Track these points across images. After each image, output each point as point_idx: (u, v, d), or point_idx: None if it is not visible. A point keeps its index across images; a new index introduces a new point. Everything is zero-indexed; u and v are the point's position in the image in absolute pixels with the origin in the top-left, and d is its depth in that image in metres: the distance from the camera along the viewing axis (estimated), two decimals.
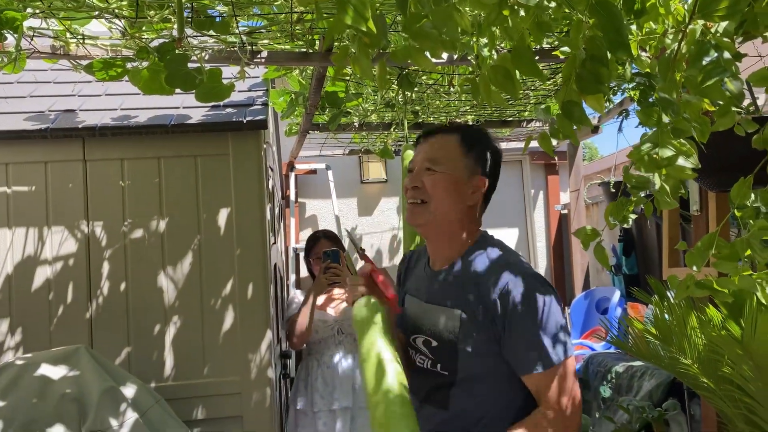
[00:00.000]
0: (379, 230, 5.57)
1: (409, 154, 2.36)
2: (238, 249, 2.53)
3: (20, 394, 1.78)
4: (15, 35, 1.74)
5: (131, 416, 1.84)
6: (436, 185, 1.39)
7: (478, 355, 1.33)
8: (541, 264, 5.75)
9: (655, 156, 1.11)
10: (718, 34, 1.17)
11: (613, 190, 3.80)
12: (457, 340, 1.34)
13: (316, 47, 2.35)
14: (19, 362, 1.91)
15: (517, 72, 1.22)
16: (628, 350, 2.15)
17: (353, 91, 3.09)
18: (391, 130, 3.88)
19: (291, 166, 5.13)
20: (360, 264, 1.58)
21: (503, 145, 3.39)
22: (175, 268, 2.50)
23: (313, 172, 5.37)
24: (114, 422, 1.80)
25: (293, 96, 3.10)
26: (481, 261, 1.39)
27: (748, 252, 1.09)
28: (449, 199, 1.39)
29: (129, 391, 1.92)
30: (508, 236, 5.76)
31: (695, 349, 1.78)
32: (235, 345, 2.48)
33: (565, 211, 5.52)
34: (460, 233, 1.43)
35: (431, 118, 3.80)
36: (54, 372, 1.86)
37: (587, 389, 3.28)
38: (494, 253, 1.40)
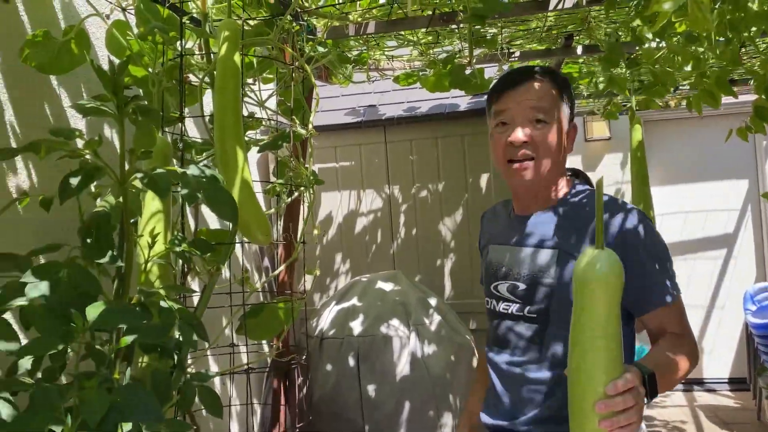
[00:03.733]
0: (606, 184, 5.80)
1: (639, 128, 2.73)
2: (496, 201, 3.16)
3: (369, 299, 2.62)
4: (361, 66, 2.53)
5: (437, 318, 2.59)
6: (547, 139, 1.19)
7: None
8: None
9: None
10: None
11: None
12: (552, 278, 1.17)
13: (558, 44, 2.83)
14: (363, 279, 2.77)
15: None
16: None
17: (585, 70, 3.48)
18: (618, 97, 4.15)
19: None
20: None
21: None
22: (450, 218, 3.22)
23: None
24: (426, 320, 2.57)
25: None
26: (582, 203, 1.23)
27: None
28: (557, 153, 1.21)
29: (433, 301, 2.67)
30: (734, 189, 5.60)
31: None
32: None
33: None
34: (556, 182, 1.25)
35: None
36: (386, 286, 2.68)
37: None
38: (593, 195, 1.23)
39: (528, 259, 1.22)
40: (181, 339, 1.24)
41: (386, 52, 2.73)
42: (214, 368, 2.27)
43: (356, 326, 2.51)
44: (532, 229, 1.25)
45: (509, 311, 1.24)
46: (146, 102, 1.57)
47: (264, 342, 2.61)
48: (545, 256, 1.20)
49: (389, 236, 3.29)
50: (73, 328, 0.79)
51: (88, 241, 1.23)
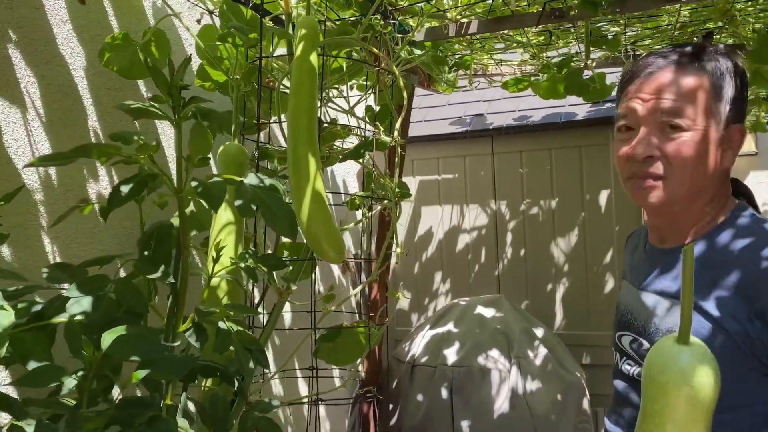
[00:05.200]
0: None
1: None
2: (617, 226, 2.84)
3: (467, 325, 2.42)
4: (467, 70, 2.36)
5: (543, 351, 2.33)
6: (684, 152, 0.90)
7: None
8: None
9: None
10: None
11: None
12: None
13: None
14: (462, 303, 2.58)
15: None
16: None
17: None
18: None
19: None
20: None
21: None
22: (564, 238, 2.94)
23: None
24: (530, 353, 2.32)
25: None
26: (744, 239, 0.90)
27: None
28: (700, 166, 0.90)
29: (539, 332, 2.42)
30: None
31: None
32: (613, 306, 2.81)
33: None
34: (706, 203, 0.94)
35: None
36: (486, 312, 2.47)
37: None
38: (765, 225, 0.90)
39: (655, 310, 0.95)
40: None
41: (493, 56, 2.54)
42: (304, 392, 2.19)
43: (451, 354, 2.33)
44: (664, 268, 0.97)
45: (631, 373, 0.99)
46: (231, 108, 1.51)
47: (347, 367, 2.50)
48: (676, 311, 0.91)
49: (494, 256, 3.07)
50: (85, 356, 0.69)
51: (145, 254, 1.16)
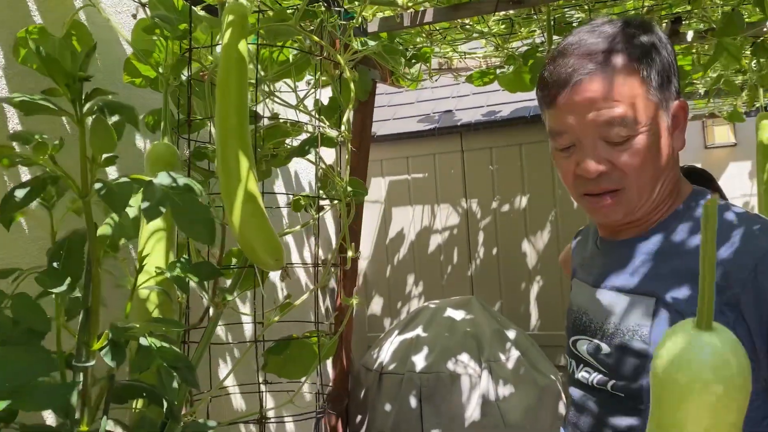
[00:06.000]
0: (729, 197, 5.15)
1: (766, 124, 2.27)
2: (589, 220, 2.76)
3: (436, 329, 2.34)
4: (426, 63, 2.27)
5: (515, 353, 2.25)
6: (636, 159, 0.82)
7: None
8: None
9: None
10: None
11: None
12: (646, 343, 0.80)
13: (663, 30, 2.42)
14: (431, 306, 2.49)
15: None
16: None
17: (700, 63, 3.01)
18: (742, 94, 3.60)
19: None
20: None
21: None
22: (536, 236, 2.87)
23: None
24: (502, 356, 2.24)
25: None
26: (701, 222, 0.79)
27: None
28: (655, 163, 0.83)
29: (511, 334, 2.34)
30: None
31: None
32: None
33: None
34: (662, 190, 0.86)
35: None
36: (456, 315, 2.38)
37: None
38: (731, 212, 0.83)
39: (613, 308, 0.86)
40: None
41: (456, 48, 2.46)
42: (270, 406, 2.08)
43: (419, 360, 2.24)
44: (621, 262, 0.88)
45: (589, 381, 0.89)
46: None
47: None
48: (637, 307, 0.82)
49: (466, 256, 2.99)
50: None
51: (54, 265, 1.06)
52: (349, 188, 1.55)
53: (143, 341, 1.07)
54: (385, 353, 2.35)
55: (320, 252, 2.95)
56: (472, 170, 2.99)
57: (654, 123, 0.82)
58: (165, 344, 1.09)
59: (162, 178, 0.99)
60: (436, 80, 2.57)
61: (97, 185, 0.94)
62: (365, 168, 2.49)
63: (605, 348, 0.86)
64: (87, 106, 0.98)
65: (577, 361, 0.93)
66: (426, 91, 3.54)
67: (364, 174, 2.49)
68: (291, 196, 1.63)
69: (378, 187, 3.17)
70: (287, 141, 1.76)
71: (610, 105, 0.80)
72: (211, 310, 1.55)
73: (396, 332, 2.42)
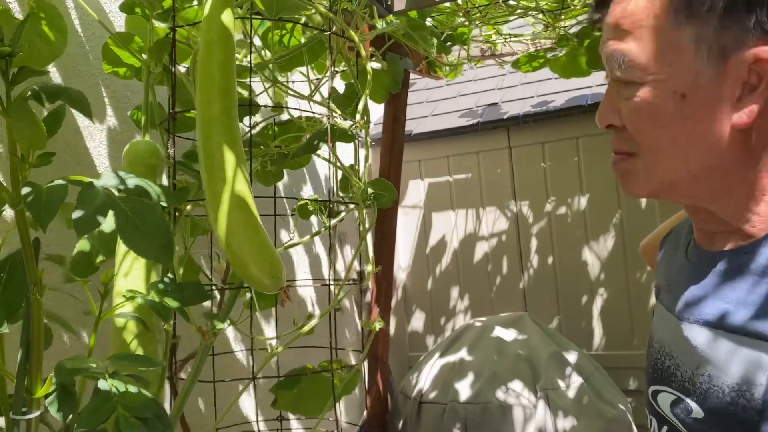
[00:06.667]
0: None
1: None
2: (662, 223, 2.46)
3: (483, 351, 2.09)
4: (464, 47, 2.04)
5: (576, 380, 1.98)
6: (638, 115, 0.61)
7: None
8: None
9: None
10: None
11: None
12: (759, 412, 0.55)
13: None
14: (477, 324, 2.24)
15: None
16: None
17: None
18: None
19: None
20: None
21: None
22: (598, 242, 2.58)
23: None
24: (562, 384, 1.97)
25: None
26: None
27: None
28: (682, 134, 0.60)
29: (572, 357, 2.06)
30: None
31: None
32: None
33: None
34: (742, 185, 0.61)
35: None
36: (506, 334, 2.13)
37: None
38: None
39: (707, 354, 0.60)
40: None
41: (499, 29, 2.21)
42: None
43: (464, 389, 1.99)
44: (718, 284, 0.62)
45: None
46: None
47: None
48: (745, 355, 0.56)
49: (518, 266, 2.72)
50: None
51: None
52: (369, 190, 1.33)
53: (102, 385, 0.88)
54: (425, 379, 2.11)
55: (355, 265, 2.75)
56: (522, 168, 2.73)
57: (680, 74, 0.57)
58: (132, 387, 0.90)
59: (106, 179, 0.79)
60: (474, 67, 2.33)
61: (25, 190, 0.75)
62: (398, 169, 2.27)
63: (696, 410, 0.61)
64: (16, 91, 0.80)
65: (658, 420, 0.68)
66: (469, 84, 3.30)
67: (397, 176, 2.27)
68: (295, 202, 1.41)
69: (417, 191, 2.94)
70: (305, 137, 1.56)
71: (615, 34, 0.61)
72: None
73: (437, 354, 2.18)
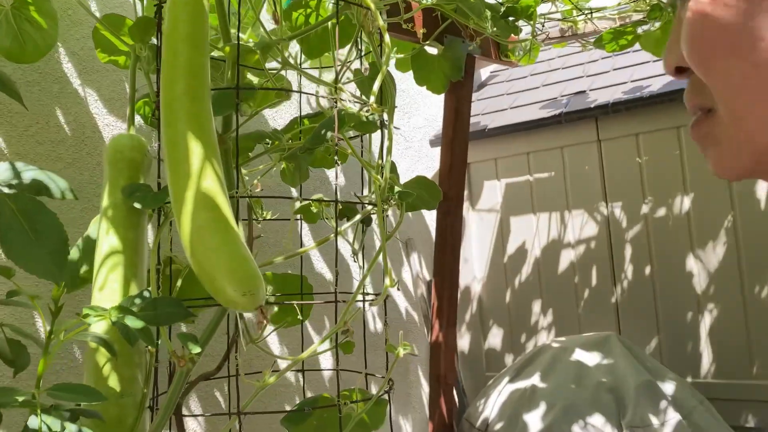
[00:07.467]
0: None
1: None
2: None
3: (559, 377, 1.84)
4: (530, 23, 1.81)
5: (673, 416, 1.68)
6: (713, 58, 0.40)
7: None
8: None
9: None
10: None
11: None
12: None
13: None
14: (555, 345, 1.99)
15: None
16: None
17: None
18: None
19: None
20: None
21: None
22: (705, 249, 2.23)
23: None
24: (654, 420, 1.68)
25: None
26: None
27: None
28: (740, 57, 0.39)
29: (668, 387, 1.77)
30: None
31: None
32: None
33: None
34: None
35: None
36: (588, 358, 1.86)
37: None
38: None
39: None
40: None
41: (577, 1, 1.95)
42: None
43: (534, 421, 1.75)
44: None
45: None
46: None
47: None
48: None
49: (609, 277, 2.42)
50: None
51: None
52: (396, 188, 1.15)
53: (32, 422, 0.76)
54: (492, 406, 1.89)
55: (424, 275, 2.56)
56: (614, 165, 2.43)
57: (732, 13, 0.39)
58: (71, 427, 0.79)
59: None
60: (558, 56, 2.07)
61: None
62: (462, 168, 2.07)
63: None
64: None
65: None
66: (555, 73, 3.02)
67: (461, 176, 2.07)
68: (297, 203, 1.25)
69: (492, 192, 2.70)
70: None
71: None
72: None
73: (506, 378, 1.95)
